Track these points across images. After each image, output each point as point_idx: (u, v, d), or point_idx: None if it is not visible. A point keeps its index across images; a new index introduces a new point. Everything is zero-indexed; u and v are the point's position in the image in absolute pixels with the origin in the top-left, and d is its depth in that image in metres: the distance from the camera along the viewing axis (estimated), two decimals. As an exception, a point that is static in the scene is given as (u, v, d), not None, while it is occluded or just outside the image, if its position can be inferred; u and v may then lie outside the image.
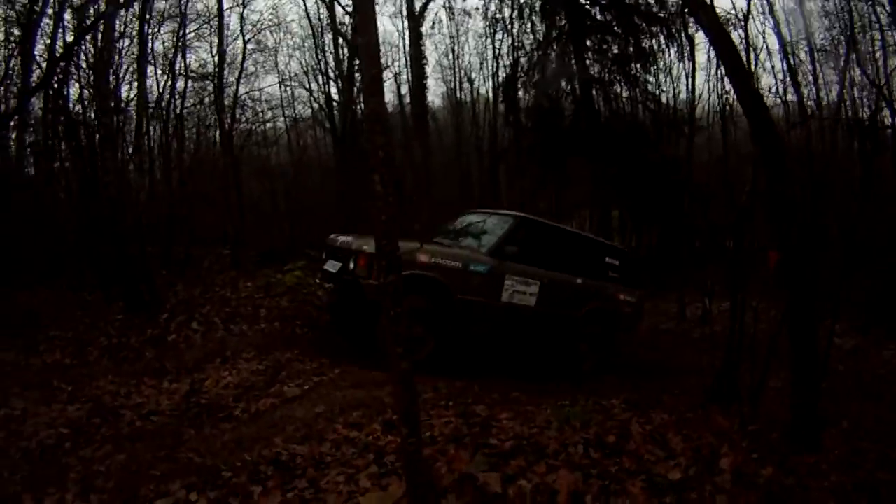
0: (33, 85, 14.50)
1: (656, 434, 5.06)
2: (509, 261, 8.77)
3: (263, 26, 22.87)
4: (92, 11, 14.23)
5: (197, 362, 7.42)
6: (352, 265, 7.95)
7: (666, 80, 22.78)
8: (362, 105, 18.98)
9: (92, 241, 11.93)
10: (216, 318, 9.32)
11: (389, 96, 21.70)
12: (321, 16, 22.78)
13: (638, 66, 20.23)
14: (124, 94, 18.19)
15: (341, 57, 20.34)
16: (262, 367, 7.14)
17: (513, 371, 8.94)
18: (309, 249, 15.29)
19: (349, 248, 8.14)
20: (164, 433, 5.63)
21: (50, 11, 15.87)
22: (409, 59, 19.44)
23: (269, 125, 25.49)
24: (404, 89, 23.33)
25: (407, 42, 19.51)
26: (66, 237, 13.17)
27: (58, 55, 14.57)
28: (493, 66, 24.97)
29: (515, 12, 21.61)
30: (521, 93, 22.24)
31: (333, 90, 22.29)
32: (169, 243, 13.77)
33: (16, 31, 15.83)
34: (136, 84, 17.97)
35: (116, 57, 16.77)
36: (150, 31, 18.33)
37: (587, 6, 19.43)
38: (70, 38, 15.47)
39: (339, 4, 20.64)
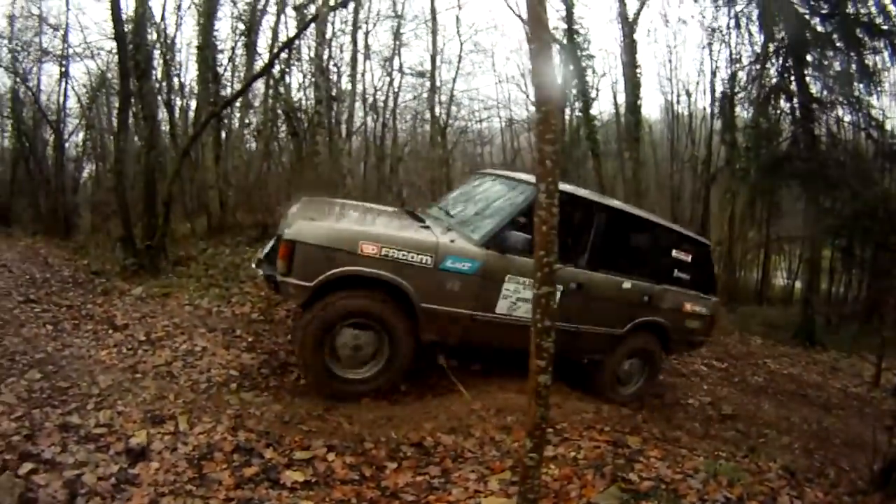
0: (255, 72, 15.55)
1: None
2: (514, 254, 6.23)
3: (480, 28, 23.21)
4: (312, 9, 15.15)
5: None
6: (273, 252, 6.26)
7: (890, 105, 19.47)
8: (577, 112, 18.89)
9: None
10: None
11: (606, 105, 21.22)
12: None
13: (860, 86, 17.17)
14: (343, 86, 19.03)
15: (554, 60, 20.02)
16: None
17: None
18: None
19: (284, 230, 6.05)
20: (322, 398, 6.08)
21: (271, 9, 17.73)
22: (623, 66, 18.64)
23: (484, 124, 25.73)
24: (621, 98, 22.37)
25: (622, 49, 18.64)
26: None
27: (278, 48, 15.65)
28: (710, 80, 23.07)
29: (732, 21, 19.72)
30: (738, 109, 20.51)
31: None
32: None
33: (240, 26, 17.57)
34: (353, 77, 18.76)
35: (337, 51, 17.75)
36: (367, 29, 19.09)
37: (807, 16, 16.93)
38: (291, 33, 16.86)
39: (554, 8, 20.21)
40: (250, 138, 18.71)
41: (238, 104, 16.99)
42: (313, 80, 14.65)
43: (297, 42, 16.00)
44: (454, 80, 21.70)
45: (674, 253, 7.72)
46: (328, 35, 15.16)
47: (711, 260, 8.55)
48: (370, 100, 20.38)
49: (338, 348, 5.99)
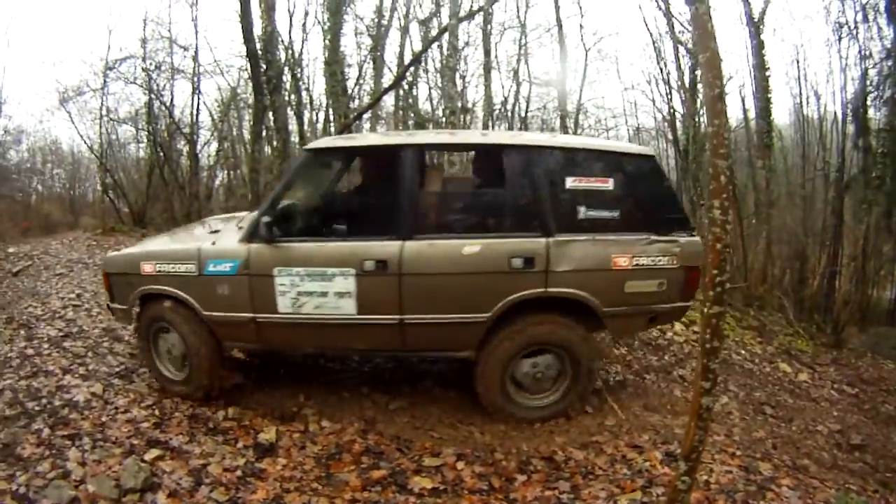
0: (385, 86, 15.69)
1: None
2: (282, 241, 5.05)
3: (603, 35, 22.55)
4: (436, 23, 15.22)
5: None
6: None
7: None
8: (705, 118, 17.96)
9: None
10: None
11: (732, 109, 19.77)
12: (658, 25, 21.88)
13: None
14: (471, 97, 19.02)
15: (682, 67, 19.14)
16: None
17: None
18: None
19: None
20: (453, 405, 5.84)
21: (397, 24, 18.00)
22: (751, 69, 17.54)
23: (611, 132, 25.14)
24: (748, 102, 21.03)
25: (749, 51, 17.58)
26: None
27: (406, 61, 15.82)
28: (841, 79, 20.88)
29: (859, 14, 17.52)
30: (871, 111, 18.07)
31: (676, 100, 20.92)
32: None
33: (366, 40, 18.01)
34: (481, 88, 18.73)
35: (462, 63, 17.71)
36: (494, 39, 19.00)
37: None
38: (416, 44, 16.88)
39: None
40: None
41: (367, 116, 17.18)
42: (443, 91, 14.70)
43: (424, 54, 16.06)
44: (581, 88, 21.30)
45: (570, 183, 5.01)
46: (459, 46, 15.11)
47: (662, 177, 5.46)
48: (498, 110, 20.23)
49: (161, 352, 5.64)
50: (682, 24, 16.88)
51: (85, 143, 20.61)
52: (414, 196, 5.01)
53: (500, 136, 6.64)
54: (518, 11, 20.62)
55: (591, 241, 4.93)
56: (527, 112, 20.83)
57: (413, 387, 6.11)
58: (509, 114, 20.26)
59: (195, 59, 18.82)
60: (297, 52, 18.45)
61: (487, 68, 18.04)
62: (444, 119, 14.50)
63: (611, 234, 4.99)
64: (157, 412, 5.03)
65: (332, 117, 17.46)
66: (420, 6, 17.77)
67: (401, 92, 17.64)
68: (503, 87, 21.11)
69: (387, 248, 4.85)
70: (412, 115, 17.73)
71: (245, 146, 20.59)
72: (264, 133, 14.10)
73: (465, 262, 4.83)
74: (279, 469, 4.37)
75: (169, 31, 18.89)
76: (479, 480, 4.42)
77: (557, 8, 18.48)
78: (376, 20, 17.97)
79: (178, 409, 5.14)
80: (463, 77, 19.08)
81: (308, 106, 19.47)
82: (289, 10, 18.28)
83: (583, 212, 4.98)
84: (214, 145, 21.34)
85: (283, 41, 16.82)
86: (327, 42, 16.96)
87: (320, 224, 5.77)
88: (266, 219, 4.96)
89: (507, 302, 4.90)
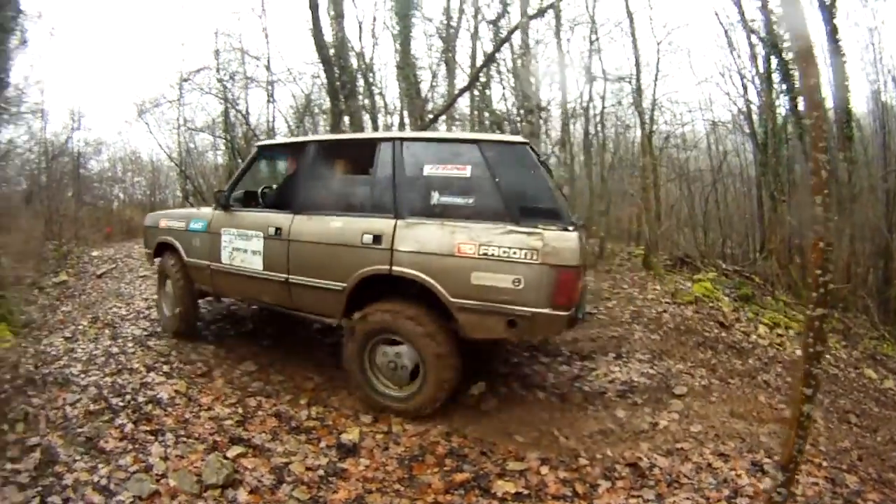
0: (458, 88, 15.87)
1: None
2: (233, 209, 6.52)
3: (673, 27, 21.96)
4: (505, 22, 15.24)
5: (591, 352, 7.29)
6: None
7: None
8: (783, 109, 17.29)
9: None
10: (621, 313, 9.12)
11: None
12: (728, 13, 21.08)
13: None
14: (545, 95, 18.91)
15: (756, 55, 18.26)
16: (652, 372, 6.81)
17: None
18: (720, 261, 14.50)
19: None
20: (541, 407, 5.76)
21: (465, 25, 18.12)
22: (826, 55, 16.63)
23: (687, 128, 24.49)
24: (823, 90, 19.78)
25: (823, 37, 16.72)
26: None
27: (478, 62, 15.78)
28: None
29: None
30: None
31: (751, 92, 20.11)
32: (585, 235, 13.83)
33: (436, 42, 18.28)
34: (554, 86, 18.52)
35: (535, 61, 17.58)
36: (565, 36, 18.68)
37: None
38: (486, 44, 17.18)
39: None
40: None
41: (443, 117, 17.22)
42: (518, 90, 14.60)
43: (496, 54, 15.98)
44: (655, 82, 20.83)
45: (428, 170, 5.22)
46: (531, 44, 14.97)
47: (532, 166, 5.02)
48: (573, 108, 19.96)
49: (166, 293, 7.44)
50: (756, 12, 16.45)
51: (164, 151, 21.49)
52: (305, 180, 5.98)
53: (378, 133, 7.48)
54: (587, 6, 20.47)
55: (439, 225, 4.95)
56: (603, 109, 20.45)
57: (498, 389, 6.03)
58: (584, 111, 20.00)
59: (268, 68, 19.62)
60: (368, 58, 18.80)
61: (561, 65, 17.85)
62: (519, 119, 14.40)
63: (462, 220, 4.90)
64: (240, 410, 5.11)
65: (406, 120, 17.72)
66: (489, 6, 17.67)
67: (475, 92, 17.60)
68: (577, 84, 20.81)
69: (282, 218, 5.87)
70: (487, 115, 17.66)
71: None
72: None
73: (331, 235, 5.44)
74: (361, 469, 4.35)
75: (240, 42, 19.54)
76: (562, 486, 4.33)
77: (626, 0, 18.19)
78: (445, 22, 18.08)
79: (262, 408, 5.21)
80: (535, 76, 19.00)
81: (383, 110, 19.64)
82: (357, 18, 18.52)
83: (436, 197, 5.08)
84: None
85: (353, 48, 17.14)
86: (398, 46, 17.27)
87: (254, 199, 6.96)
88: (224, 192, 6.61)
89: (359, 274, 5.22)
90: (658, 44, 20.56)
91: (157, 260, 7.67)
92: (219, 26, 19.54)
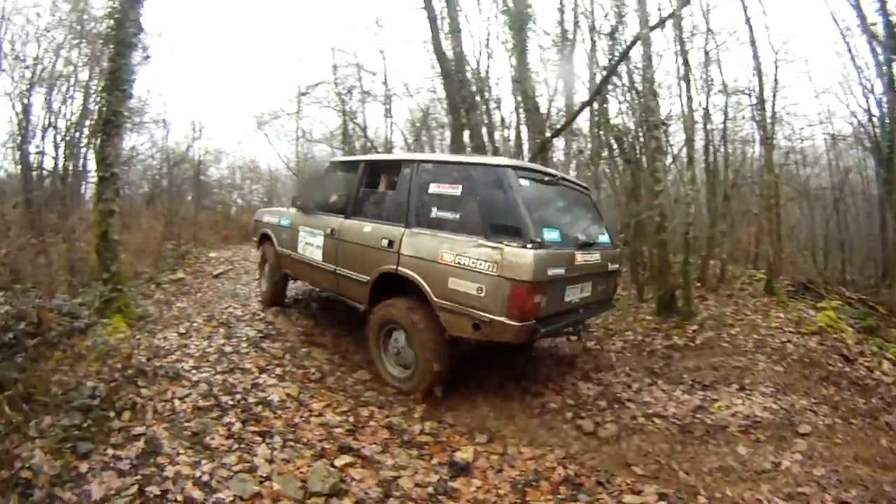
0: (577, 103, 15.96)
1: None
2: (306, 211, 8.01)
3: (789, 36, 20.73)
4: (622, 34, 15.11)
5: (714, 381, 6.96)
6: None
7: None
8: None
9: (634, 243, 12.68)
10: (744, 341, 8.69)
11: None
12: (846, 19, 18.81)
13: None
14: (665, 109, 18.31)
15: (879, 64, 16.78)
16: (775, 407, 6.41)
17: None
18: (843, 288, 13.70)
19: None
20: (661, 438, 5.50)
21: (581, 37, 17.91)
22: None
23: (807, 142, 23.13)
24: None
25: None
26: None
27: (599, 77, 15.69)
28: None
29: None
30: None
31: (872, 103, 18.50)
32: (707, 256, 13.31)
33: (553, 57, 18.24)
34: (689, 98, 17.92)
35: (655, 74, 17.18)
36: (681, 47, 17.97)
37: None
38: (601, 57, 17.11)
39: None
40: (576, 165, 18.72)
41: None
42: (641, 104, 14.27)
43: (617, 67, 15.67)
44: (773, 94, 19.82)
45: (432, 188, 6.07)
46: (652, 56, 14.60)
47: (506, 187, 5.50)
48: (692, 121, 19.38)
49: (265, 273, 9.36)
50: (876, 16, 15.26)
51: (282, 161, 22.17)
52: (353, 191, 7.17)
53: (404, 156, 8.25)
54: (704, 15, 19.83)
55: (432, 235, 5.77)
56: (725, 123, 19.66)
57: (619, 417, 5.81)
58: (703, 125, 19.36)
59: (385, 83, 20.32)
60: (483, 72, 18.81)
61: (686, 78, 17.32)
62: (641, 133, 14.05)
63: (449, 232, 5.66)
64: (351, 419, 5.06)
65: (524, 135, 17.60)
66: (606, 16, 17.28)
67: (593, 107, 17.31)
68: (694, 97, 20.20)
69: (336, 221, 7.18)
70: (606, 130, 17.36)
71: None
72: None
73: (363, 237, 6.57)
74: (473, 490, 4.18)
75: (355, 57, 20.01)
76: (679, 523, 4.11)
77: (745, 7, 17.27)
78: (561, 36, 17.81)
79: (374, 418, 5.14)
80: (654, 89, 18.48)
81: (500, 124, 19.49)
82: (470, 32, 18.59)
83: (434, 212, 5.93)
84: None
85: (469, 63, 17.05)
86: (512, 61, 17.15)
87: (322, 205, 7.84)
88: (299, 199, 8.31)
89: (378, 270, 6.23)
90: (776, 53, 19.66)
91: (261, 246, 9.51)
92: (335, 43, 20.00)
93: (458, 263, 5.34)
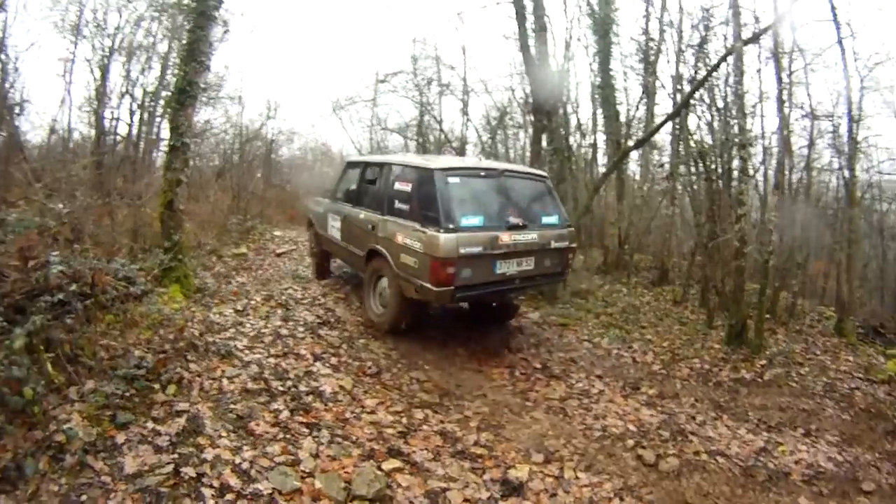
0: (661, 118, 15.60)
1: None
2: (333, 200, 9.72)
3: (876, 61, 19.75)
4: (711, 47, 15.02)
5: (780, 422, 6.60)
6: None
7: None
8: None
9: (708, 266, 12.38)
10: (812, 382, 8.28)
11: None
12: None
13: None
14: (755, 128, 17.73)
15: None
16: (840, 459, 6.03)
17: None
18: None
19: None
20: (722, 478, 5.14)
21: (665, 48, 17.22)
22: None
23: (886, 177, 22.07)
24: None
25: None
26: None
27: (681, 87, 15.53)
28: None
29: None
30: None
31: None
32: (780, 287, 12.85)
33: (636, 65, 17.62)
34: (784, 120, 17.30)
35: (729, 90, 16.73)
36: (776, 63, 17.28)
37: None
38: (685, 69, 16.51)
39: None
40: (653, 178, 18.36)
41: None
42: (724, 120, 13.88)
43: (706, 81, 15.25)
44: (857, 122, 19.02)
45: (395, 185, 7.81)
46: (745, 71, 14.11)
47: (434, 185, 7.02)
48: (782, 144, 18.73)
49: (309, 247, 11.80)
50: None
51: (354, 147, 22.29)
52: (359, 185, 8.81)
53: (382, 158, 9.23)
54: (792, 34, 19.14)
55: (394, 221, 7.39)
56: (810, 148, 18.90)
57: (682, 451, 5.48)
58: (784, 148, 18.72)
59: (464, 80, 20.11)
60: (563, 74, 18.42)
61: (779, 98, 16.73)
62: (724, 152, 13.68)
63: (403, 219, 7.25)
64: (404, 420, 4.85)
65: (601, 143, 17.50)
66: (694, 26, 16.80)
67: (676, 120, 16.89)
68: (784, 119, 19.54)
69: (347, 209, 8.83)
70: (688, 145, 16.94)
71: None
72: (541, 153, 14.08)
73: (360, 221, 8.24)
74: (524, 514, 3.92)
75: (435, 50, 19.85)
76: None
77: (838, 26, 16.19)
78: (645, 44, 17.34)
79: (428, 422, 4.92)
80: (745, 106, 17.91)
81: (577, 129, 19.21)
82: (552, 34, 18.34)
83: (396, 203, 7.53)
84: (482, 160, 22.43)
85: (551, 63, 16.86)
86: (593, 67, 17.00)
87: (342, 195, 9.39)
88: (334, 189, 9.79)
89: (367, 246, 7.89)
90: (862, 79, 18.82)
91: (309, 228, 11.22)
92: (416, 33, 19.93)
93: (405, 244, 6.97)
